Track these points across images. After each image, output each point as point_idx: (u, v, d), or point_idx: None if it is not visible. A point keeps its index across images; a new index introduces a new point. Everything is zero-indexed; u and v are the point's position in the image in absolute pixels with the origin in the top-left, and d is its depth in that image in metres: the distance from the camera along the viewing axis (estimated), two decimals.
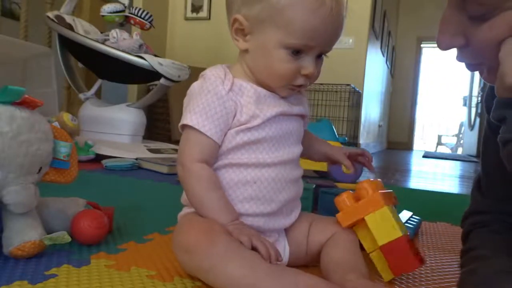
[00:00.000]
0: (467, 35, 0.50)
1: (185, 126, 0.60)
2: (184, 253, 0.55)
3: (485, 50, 0.48)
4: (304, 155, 0.72)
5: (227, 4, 0.63)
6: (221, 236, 0.52)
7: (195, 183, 0.59)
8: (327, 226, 0.65)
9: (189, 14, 3.91)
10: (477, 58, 0.51)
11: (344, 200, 0.63)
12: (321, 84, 3.32)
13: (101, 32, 2.27)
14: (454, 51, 0.53)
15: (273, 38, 0.58)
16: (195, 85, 0.62)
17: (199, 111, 0.59)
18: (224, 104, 0.59)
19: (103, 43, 2.07)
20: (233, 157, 0.61)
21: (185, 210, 0.65)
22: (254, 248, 0.52)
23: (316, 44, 0.58)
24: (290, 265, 0.66)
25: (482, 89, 5.02)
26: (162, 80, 2.08)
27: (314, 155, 0.78)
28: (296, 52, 0.58)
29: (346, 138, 2.01)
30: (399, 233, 0.60)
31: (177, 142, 2.81)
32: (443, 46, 0.52)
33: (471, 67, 0.54)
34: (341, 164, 0.78)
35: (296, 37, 0.57)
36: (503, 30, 0.46)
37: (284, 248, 0.65)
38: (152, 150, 2.07)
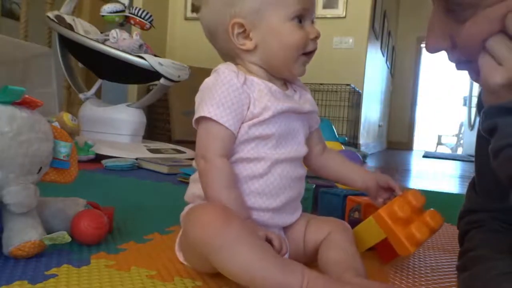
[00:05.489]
0: (453, 37, 0.51)
1: (201, 119, 0.60)
2: (198, 228, 0.54)
3: (470, 49, 0.49)
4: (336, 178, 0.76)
5: (211, 31, 0.65)
6: (236, 219, 0.53)
7: (216, 178, 0.59)
8: (323, 226, 0.65)
9: (189, 14, 3.91)
10: (465, 57, 0.52)
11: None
12: (321, 84, 3.32)
13: (101, 32, 2.27)
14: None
15: (276, 17, 0.61)
16: (207, 81, 0.62)
17: (216, 103, 0.59)
18: (240, 95, 0.60)
19: (103, 43, 2.07)
20: (243, 151, 0.62)
21: (189, 207, 0.65)
22: (266, 240, 0.54)
23: (308, 6, 0.63)
24: None
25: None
26: (162, 80, 2.08)
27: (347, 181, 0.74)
28: (299, 21, 0.62)
29: (346, 138, 2.01)
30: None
31: (177, 142, 2.83)
32: (431, 49, 0.54)
33: (460, 66, 0.54)
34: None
35: (293, 4, 0.61)
36: (483, 26, 0.47)
37: None
38: (152, 150, 2.07)
